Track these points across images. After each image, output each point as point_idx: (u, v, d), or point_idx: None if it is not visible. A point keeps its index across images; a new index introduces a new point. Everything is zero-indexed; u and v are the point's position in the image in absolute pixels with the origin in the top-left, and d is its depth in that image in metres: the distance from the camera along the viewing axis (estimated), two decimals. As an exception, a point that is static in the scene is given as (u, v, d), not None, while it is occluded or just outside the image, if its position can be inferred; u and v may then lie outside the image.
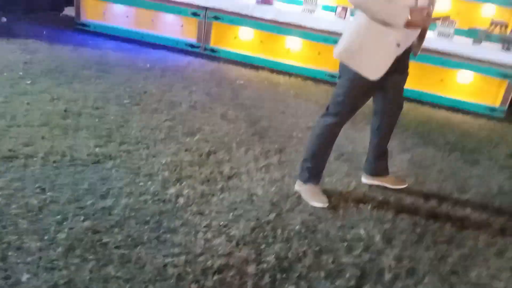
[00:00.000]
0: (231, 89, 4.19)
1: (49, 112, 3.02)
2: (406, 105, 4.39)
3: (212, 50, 5.06)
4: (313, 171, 2.48)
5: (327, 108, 2.39)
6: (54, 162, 2.47)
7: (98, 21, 5.33)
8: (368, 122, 2.87)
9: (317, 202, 2.44)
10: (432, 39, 4.43)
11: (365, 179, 2.77)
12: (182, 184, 2.46)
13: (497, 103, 4.54)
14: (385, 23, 1.96)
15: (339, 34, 4.33)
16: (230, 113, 3.58)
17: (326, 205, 2.44)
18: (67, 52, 4.44)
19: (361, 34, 2.07)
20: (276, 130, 3.40)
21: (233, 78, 4.53)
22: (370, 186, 2.76)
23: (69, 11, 5.87)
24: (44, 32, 4.95)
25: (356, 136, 3.46)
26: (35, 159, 2.46)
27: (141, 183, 2.41)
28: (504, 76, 4.41)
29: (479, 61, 4.40)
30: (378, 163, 2.71)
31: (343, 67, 2.21)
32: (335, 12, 4.72)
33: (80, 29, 5.29)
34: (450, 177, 3.08)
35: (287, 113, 3.81)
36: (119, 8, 5.31)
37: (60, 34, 5.07)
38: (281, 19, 4.69)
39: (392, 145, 3.43)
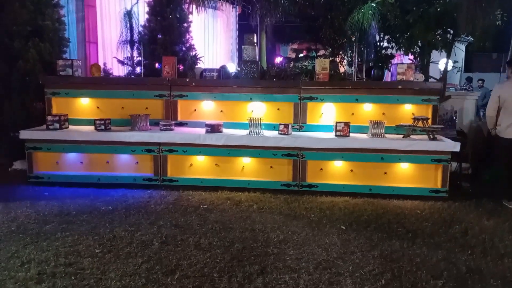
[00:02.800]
0: (197, 215, 4.30)
1: (23, 279, 2.91)
2: (361, 201, 4.81)
3: (171, 180, 5.24)
4: None
5: None
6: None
7: (52, 171, 5.38)
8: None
9: None
10: (367, 140, 4.98)
11: None
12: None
13: (438, 185, 5.01)
14: None
15: (285, 148, 4.46)
16: (202, 241, 3.65)
17: None
18: (25, 208, 4.37)
19: None
20: (251, 250, 3.50)
21: (197, 203, 4.67)
22: None
23: (18, 165, 5.89)
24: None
25: None
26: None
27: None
28: (438, 161, 4.95)
29: (414, 151, 4.93)
30: None
31: None
32: (278, 129, 5.21)
33: (34, 182, 5.28)
34: (421, 265, 3.29)
35: (256, 229, 3.95)
36: (72, 156, 5.43)
37: (14, 190, 5.02)
38: (232, 143, 5.07)
39: (360, 242, 3.66)
